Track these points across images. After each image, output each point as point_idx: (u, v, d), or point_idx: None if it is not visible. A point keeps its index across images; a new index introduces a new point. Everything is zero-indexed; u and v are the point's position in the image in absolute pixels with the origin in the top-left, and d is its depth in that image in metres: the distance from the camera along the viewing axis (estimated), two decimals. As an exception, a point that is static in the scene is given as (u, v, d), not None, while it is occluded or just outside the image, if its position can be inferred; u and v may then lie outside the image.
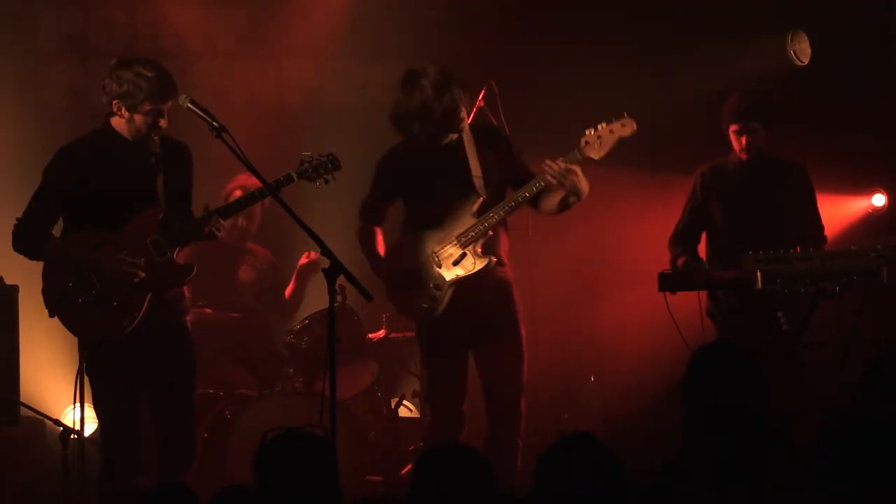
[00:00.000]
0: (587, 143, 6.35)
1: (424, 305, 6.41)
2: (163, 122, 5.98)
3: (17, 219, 6.04)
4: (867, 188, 8.60)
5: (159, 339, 6.04)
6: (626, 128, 6.41)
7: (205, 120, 5.52)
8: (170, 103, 5.96)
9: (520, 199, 6.38)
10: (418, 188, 6.48)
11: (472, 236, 6.38)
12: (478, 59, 8.66)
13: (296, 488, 3.89)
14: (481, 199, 6.40)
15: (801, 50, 8.45)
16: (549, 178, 6.31)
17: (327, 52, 9.15)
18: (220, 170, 7.93)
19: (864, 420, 3.40)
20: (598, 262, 8.71)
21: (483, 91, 7.48)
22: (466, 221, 6.39)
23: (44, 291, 6.04)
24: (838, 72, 8.44)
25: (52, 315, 6.01)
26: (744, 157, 7.03)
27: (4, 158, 8.33)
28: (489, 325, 6.42)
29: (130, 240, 5.96)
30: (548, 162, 6.32)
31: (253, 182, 7.79)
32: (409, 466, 7.67)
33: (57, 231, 6.09)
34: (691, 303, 6.71)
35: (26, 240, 6.01)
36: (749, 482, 3.95)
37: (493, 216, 6.38)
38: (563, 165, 6.29)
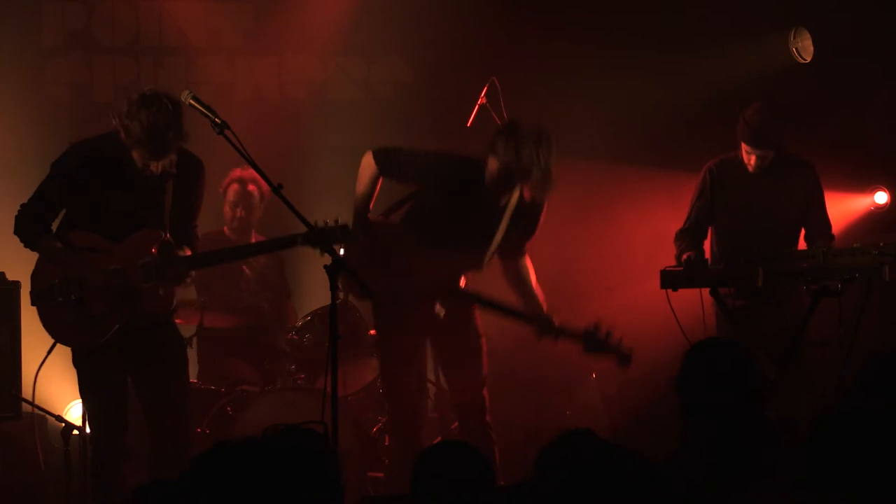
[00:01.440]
0: (587, 339, 6.37)
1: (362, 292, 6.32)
2: (154, 167, 5.87)
3: (22, 204, 6.02)
4: (869, 186, 8.59)
5: (147, 336, 6.03)
6: (623, 359, 6.39)
7: (207, 116, 5.51)
8: (171, 155, 5.88)
9: (503, 314, 6.44)
10: (450, 209, 6.32)
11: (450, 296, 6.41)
12: (481, 56, 8.66)
13: (297, 485, 3.89)
14: (479, 270, 6.45)
15: (804, 47, 8.44)
16: (535, 325, 6.37)
17: (331, 48, 9.15)
18: (222, 167, 7.96)
19: (858, 416, 3.39)
20: (600, 259, 8.71)
21: (485, 88, 7.47)
22: (456, 273, 6.45)
23: (32, 281, 6.04)
24: (840, 69, 8.43)
25: (32, 304, 6.02)
26: (751, 171, 7.05)
27: (8, 153, 8.34)
28: (448, 320, 6.44)
29: (124, 256, 5.91)
30: (543, 318, 6.38)
31: (249, 174, 7.84)
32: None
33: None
34: (694, 300, 6.71)
35: (26, 227, 5.97)
36: (745, 479, 3.95)
37: (473, 300, 6.46)
38: (550, 330, 6.37)
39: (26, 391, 6.90)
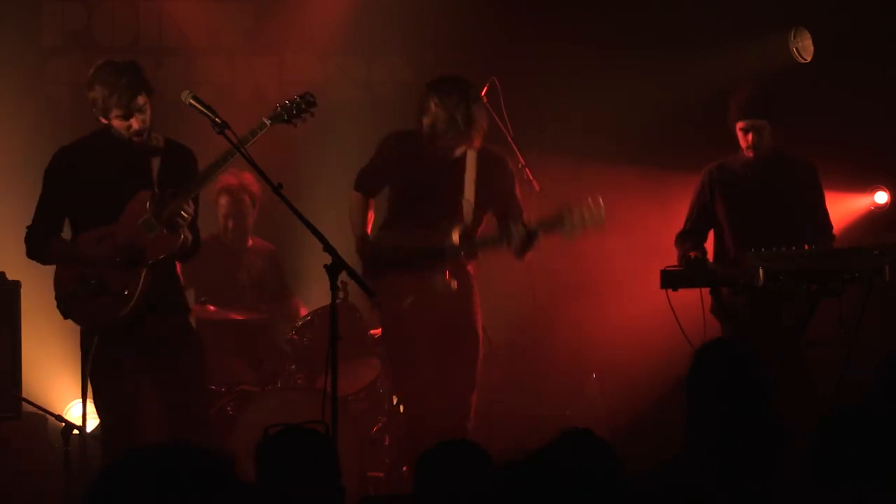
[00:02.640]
0: (565, 220, 6.59)
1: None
2: (134, 122, 5.97)
3: (27, 227, 6.10)
4: (870, 185, 8.59)
5: (164, 340, 6.05)
6: (597, 220, 6.62)
7: (207, 116, 5.52)
8: (139, 100, 5.98)
9: (487, 243, 6.74)
10: (415, 184, 6.69)
11: (444, 257, 6.65)
12: (481, 55, 8.66)
13: (298, 484, 3.90)
14: (463, 225, 6.68)
15: (804, 47, 8.44)
16: (512, 242, 6.57)
17: (331, 48, 9.15)
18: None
19: (867, 416, 3.39)
20: (600, 259, 8.70)
21: (486, 88, 7.46)
22: (447, 238, 6.66)
23: (56, 297, 6.12)
24: (840, 69, 8.43)
25: (66, 317, 6.07)
26: (750, 154, 7.03)
27: (8, 153, 8.34)
28: (451, 325, 6.68)
29: (125, 226, 5.99)
30: (515, 226, 6.57)
31: (237, 182, 7.86)
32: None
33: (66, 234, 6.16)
34: (694, 300, 6.71)
35: (36, 247, 6.12)
36: (752, 479, 3.95)
37: (467, 248, 6.71)
38: (526, 233, 6.54)
39: (26, 391, 6.91)
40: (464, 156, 6.72)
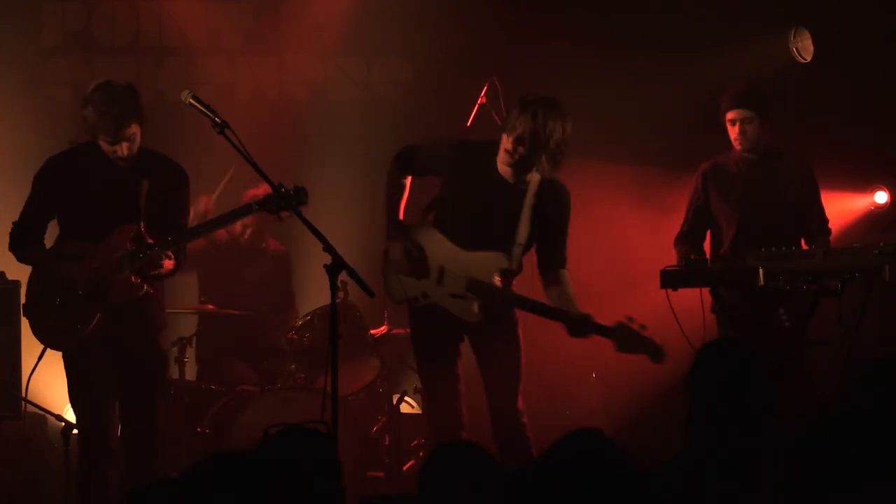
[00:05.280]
0: (619, 334, 6.06)
1: (397, 290, 6.23)
2: (120, 150, 5.99)
3: (14, 222, 6.16)
4: (869, 185, 8.60)
5: (129, 349, 6.11)
6: (655, 354, 6.03)
7: (207, 116, 5.52)
8: (128, 130, 5.97)
9: (534, 310, 6.11)
10: (467, 201, 6.18)
11: (483, 294, 6.11)
12: (481, 56, 8.67)
13: (298, 484, 3.90)
14: (508, 268, 6.12)
15: (804, 47, 8.44)
16: (566, 322, 6.05)
17: (331, 48, 9.16)
18: (222, 166, 7.96)
19: (862, 417, 3.40)
20: (599, 259, 8.70)
21: (485, 88, 7.47)
22: (487, 274, 6.10)
23: (26, 292, 6.20)
24: (841, 69, 8.44)
25: (24, 315, 6.14)
26: (738, 147, 7.03)
27: (8, 153, 8.35)
28: (485, 328, 6.22)
29: (103, 254, 6.01)
30: (573, 315, 6.05)
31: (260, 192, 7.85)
32: (411, 462, 7.68)
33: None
34: (693, 300, 6.71)
35: (16, 244, 6.19)
36: (753, 479, 3.95)
37: (508, 299, 6.14)
38: (584, 325, 6.05)
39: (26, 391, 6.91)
40: (526, 183, 6.14)
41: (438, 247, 6.20)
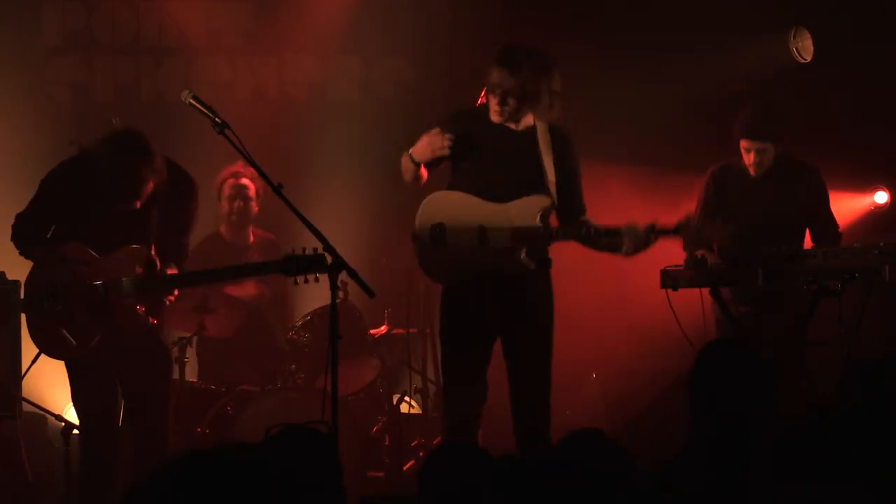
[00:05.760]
0: (686, 232, 6.04)
1: (443, 268, 6.07)
2: (137, 203, 5.98)
3: (17, 213, 6.10)
4: (870, 185, 8.59)
5: (132, 348, 6.07)
6: (723, 236, 6.11)
7: (207, 116, 5.51)
8: (143, 188, 5.95)
9: (589, 237, 6.06)
10: (483, 158, 6.07)
11: (531, 240, 6.02)
12: (481, 55, 8.64)
13: (299, 484, 3.89)
14: (550, 205, 6.05)
15: (804, 47, 8.44)
16: (625, 239, 5.96)
17: (331, 47, 9.16)
18: (222, 166, 7.96)
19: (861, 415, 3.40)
20: (600, 258, 8.70)
21: (485, 88, 7.45)
22: (530, 219, 6.00)
23: (24, 288, 6.14)
24: (841, 69, 8.43)
25: (22, 310, 6.10)
26: (752, 173, 7.06)
27: (8, 153, 8.35)
28: (520, 313, 6.10)
29: (108, 270, 5.97)
30: (635, 227, 5.96)
31: (245, 170, 7.85)
32: (411, 462, 7.68)
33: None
34: (694, 300, 6.71)
35: (20, 235, 6.11)
36: (752, 479, 3.95)
37: (559, 236, 6.07)
38: (646, 234, 5.95)
39: (26, 391, 6.91)
40: (532, 128, 6.12)
41: (472, 207, 6.04)
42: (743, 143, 7.06)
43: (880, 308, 6.85)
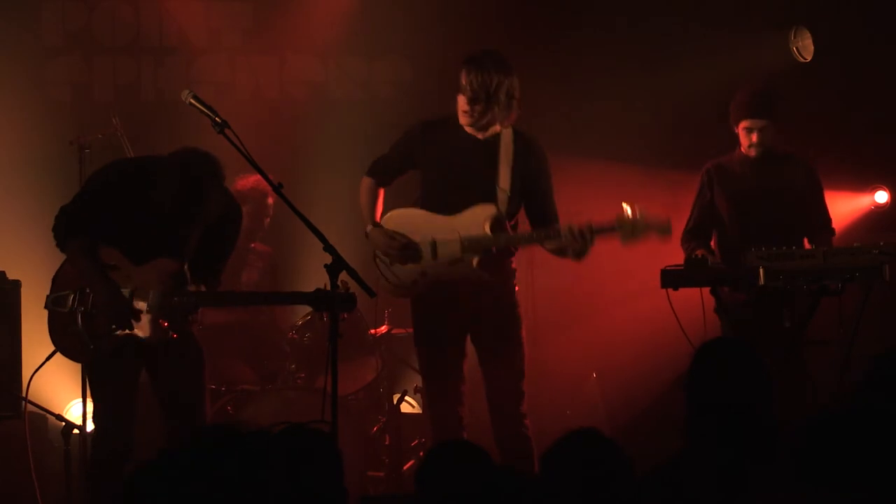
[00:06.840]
0: (622, 225, 6.09)
1: (394, 282, 6.29)
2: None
3: (62, 205, 5.90)
4: (870, 185, 8.60)
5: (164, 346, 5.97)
6: (662, 228, 6.15)
7: (207, 116, 5.50)
8: (214, 194, 5.81)
9: (531, 240, 6.26)
10: (445, 169, 6.25)
11: (477, 248, 6.18)
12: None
13: (300, 484, 3.90)
14: (497, 213, 6.18)
15: (804, 47, 8.45)
16: (565, 240, 6.09)
17: (331, 47, 9.17)
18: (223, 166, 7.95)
19: (859, 417, 3.39)
20: (599, 258, 8.70)
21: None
22: (478, 228, 6.17)
23: (52, 284, 5.95)
24: (841, 68, 8.44)
25: (45, 307, 5.94)
26: (752, 153, 7.05)
27: (9, 153, 8.34)
28: (487, 319, 6.24)
29: (140, 280, 5.83)
30: (572, 227, 6.06)
31: (257, 184, 7.80)
32: (411, 462, 7.69)
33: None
34: (694, 299, 6.71)
35: (61, 227, 5.87)
36: (752, 480, 3.95)
37: (502, 240, 6.19)
38: (582, 234, 6.05)
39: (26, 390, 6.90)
40: (497, 136, 6.26)
41: (424, 223, 6.27)
42: (743, 124, 7.04)
43: (880, 308, 6.86)
